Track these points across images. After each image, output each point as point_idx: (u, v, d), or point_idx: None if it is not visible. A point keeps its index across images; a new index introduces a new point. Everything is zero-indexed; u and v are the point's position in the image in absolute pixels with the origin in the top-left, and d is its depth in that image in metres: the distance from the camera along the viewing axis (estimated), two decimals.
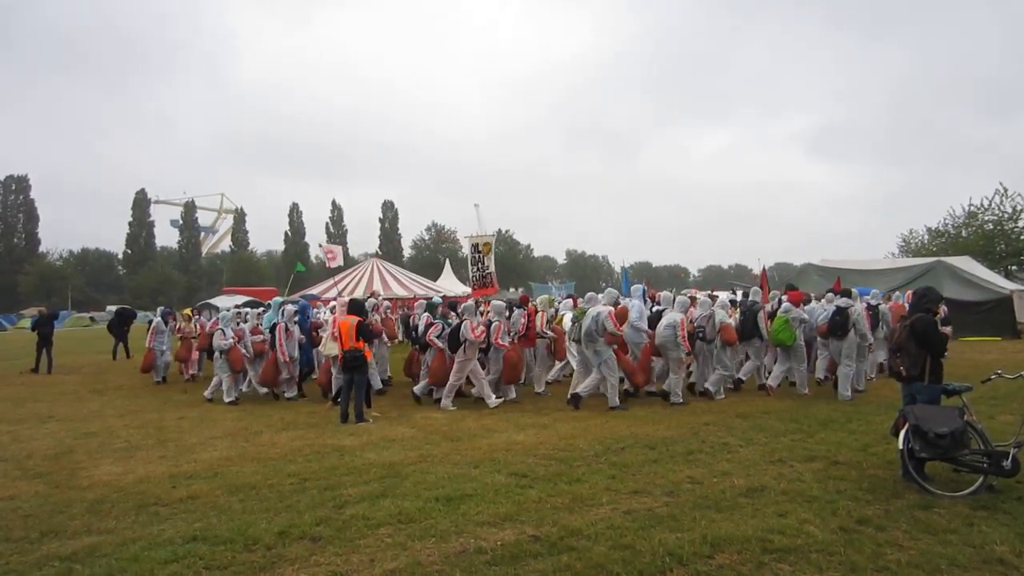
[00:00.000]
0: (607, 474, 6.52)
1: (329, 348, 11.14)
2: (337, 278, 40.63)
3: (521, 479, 6.40)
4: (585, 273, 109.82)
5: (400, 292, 35.24)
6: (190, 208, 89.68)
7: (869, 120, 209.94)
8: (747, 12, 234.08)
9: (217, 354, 11.97)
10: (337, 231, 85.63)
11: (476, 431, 8.94)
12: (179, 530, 5.13)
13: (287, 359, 12.02)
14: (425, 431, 9.07)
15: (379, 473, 6.78)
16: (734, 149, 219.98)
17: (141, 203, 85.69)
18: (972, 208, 44.75)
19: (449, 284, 45.54)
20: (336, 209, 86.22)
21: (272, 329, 12.26)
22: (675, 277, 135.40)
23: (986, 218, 43.51)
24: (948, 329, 6.09)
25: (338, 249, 14.91)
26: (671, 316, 10.80)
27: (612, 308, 10.67)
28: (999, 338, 21.31)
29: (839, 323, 10.95)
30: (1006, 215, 42.29)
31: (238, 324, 12.81)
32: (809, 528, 4.90)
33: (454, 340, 10.86)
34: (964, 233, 45.20)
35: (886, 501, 5.56)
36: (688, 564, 4.28)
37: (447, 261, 58.74)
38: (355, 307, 10.88)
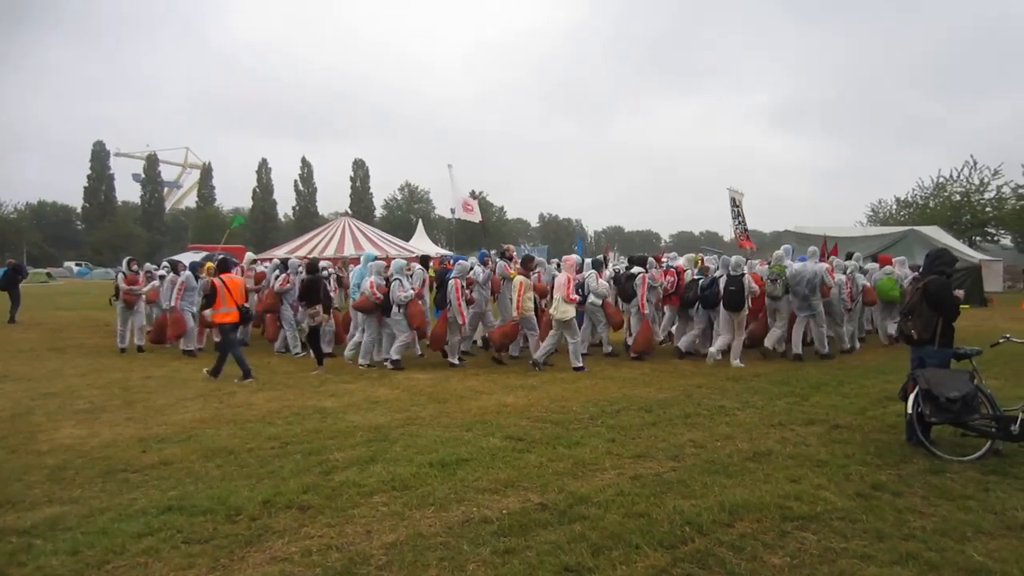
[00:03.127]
0: (606, 437, 6.26)
1: (561, 311, 10.12)
2: (306, 237, 39.71)
3: (517, 443, 6.10)
4: (558, 236, 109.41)
5: (372, 251, 34.52)
6: (153, 161, 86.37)
7: (830, 97, 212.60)
8: None
9: (396, 308, 10.38)
10: (307, 189, 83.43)
11: (463, 393, 8.61)
12: (152, 499, 4.72)
13: (464, 319, 10.68)
14: (409, 392, 8.71)
15: (366, 436, 6.42)
16: (705, 120, 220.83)
17: (100, 155, 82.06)
18: (941, 180, 45.36)
19: (422, 244, 44.83)
20: (306, 166, 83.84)
21: (442, 285, 11.00)
22: (647, 242, 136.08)
23: (954, 189, 44.12)
24: (961, 292, 5.95)
25: (474, 203, 13.40)
26: (836, 277, 11.45)
27: (827, 265, 11.54)
28: (968, 306, 21.58)
29: None
30: (973, 187, 42.88)
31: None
32: (825, 494, 4.69)
33: (739, 297, 10.21)
34: (932, 204, 45.84)
35: (896, 466, 5.38)
36: (708, 533, 4.03)
37: (419, 221, 57.85)
38: (224, 265, 10.47)
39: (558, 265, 11.83)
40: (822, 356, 11.08)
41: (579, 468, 5.35)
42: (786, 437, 6.25)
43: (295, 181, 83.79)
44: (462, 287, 10.71)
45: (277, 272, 12.78)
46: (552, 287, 10.67)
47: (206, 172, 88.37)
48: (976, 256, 27.13)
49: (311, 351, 10.77)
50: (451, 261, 17.68)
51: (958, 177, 43.70)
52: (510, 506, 4.49)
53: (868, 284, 12.43)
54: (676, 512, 4.32)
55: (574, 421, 6.93)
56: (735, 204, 15.70)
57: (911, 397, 5.72)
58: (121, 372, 10.51)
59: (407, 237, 46.95)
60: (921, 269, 6.33)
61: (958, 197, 43.63)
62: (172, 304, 12.37)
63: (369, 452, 5.86)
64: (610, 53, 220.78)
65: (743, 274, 10.34)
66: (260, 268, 13.89)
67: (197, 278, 12.78)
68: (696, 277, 11.18)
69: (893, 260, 13.69)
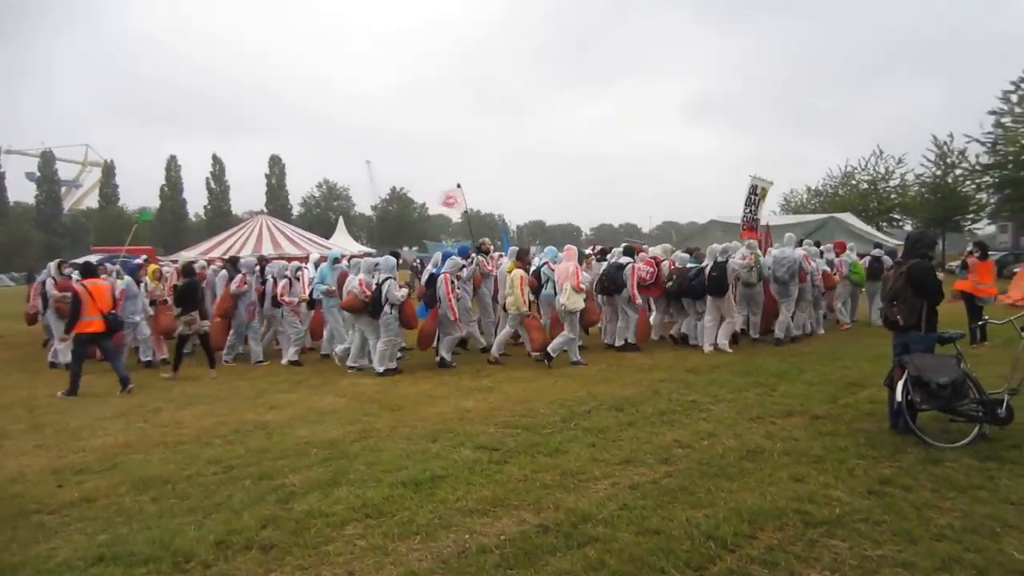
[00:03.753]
0: (586, 442, 5.82)
1: (573, 301, 9.80)
2: (222, 236, 37.84)
3: (492, 453, 5.58)
4: (481, 231, 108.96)
5: (292, 251, 33.05)
6: (48, 159, 79.94)
7: (735, 92, 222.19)
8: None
9: (388, 308, 9.57)
10: (219, 187, 79.30)
11: (416, 398, 8.01)
12: (78, 547, 3.93)
13: (455, 316, 10.02)
14: (358, 400, 8.05)
15: (321, 454, 5.75)
16: (617, 115, 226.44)
17: None
18: (849, 168, 47.57)
19: (343, 242, 43.39)
20: (218, 163, 79.55)
21: (431, 281, 10.50)
22: (568, 235, 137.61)
23: (862, 178, 46.28)
24: (943, 275, 5.94)
25: (459, 193, 12.64)
26: (812, 264, 11.68)
27: (805, 251, 11.68)
28: None
29: (878, 270, 12.75)
30: (880, 175, 45.05)
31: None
32: (837, 494, 4.40)
33: (722, 283, 10.40)
34: (841, 192, 48.02)
35: (893, 457, 5.19)
36: (734, 549, 3.64)
37: (340, 219, 56.22)
38: (88, 270, 9.65)
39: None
40: (778, 342, 11.07)
41: (568, 479, 4.88)
42: (771, 432, 5.99)
43: (207, 179, 79.49)
44: (452, 283, 10.09)
45: (224, 274, 11.84)
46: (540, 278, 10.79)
47: (108, 170, 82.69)
48: (891, 241, 28.40)
49: (207, 355, 10.34)
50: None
51: (865, 166, 45.85)
52: (506, 530, 3.98)
53: (827, 269, 12.56)
54: (692, 525, 3.92)
55: (545, 425, 6.47)
56: (753, 193, 15.49)
57: (900, 384, 5.55)
58: (25, 390, 9.36)
59: (326, 235, 45.42)
60: (902, 253, 6.19)
61: (865, 185, 45.78)
62: None
63: (328, 473, 5.21)
64: (526, 49, 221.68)
65: (727, 260, 10.40)
66: (204, 269, 12.77)
67: (138, 282, 11.39)
68: (689, 266, 11.06)
69: (846, 246, 14.04)
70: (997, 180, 31.71)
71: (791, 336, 11.37)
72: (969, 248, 11.58)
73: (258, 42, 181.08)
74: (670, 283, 11.00)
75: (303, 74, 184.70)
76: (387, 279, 9.62)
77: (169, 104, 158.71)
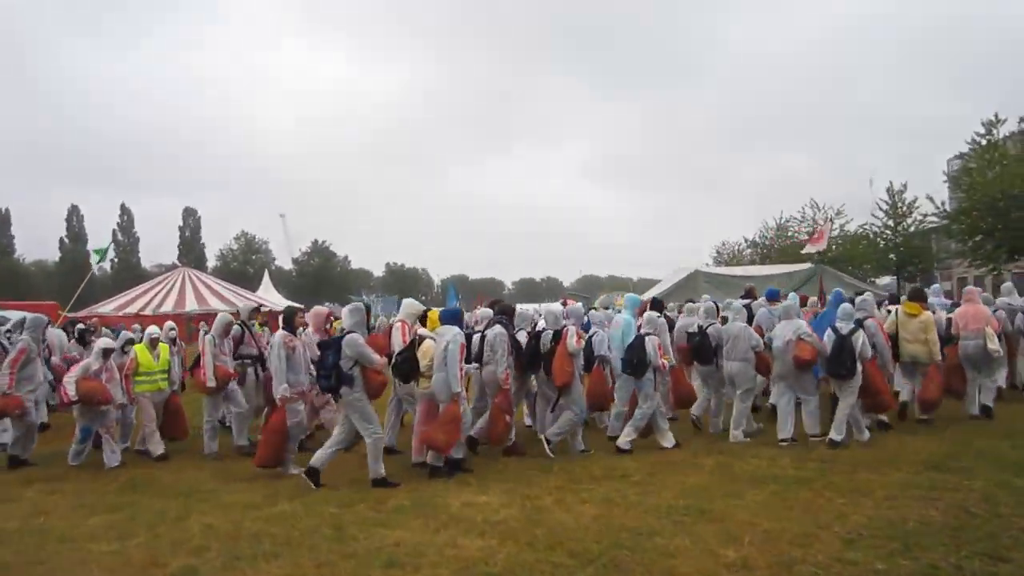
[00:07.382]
0: None
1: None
2: (139, 290, 33.81)
3: None
4: (405, 285, 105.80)
5: (218, 305, 29.67)
6: None
7: (633, 155, 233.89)
8: (525, 67, 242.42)
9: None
10: (127, 239, 73.05)
11: (600, 532, 5.43)
12: None
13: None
14: (514, 540, 5.32)
15: None
16: (529, 175, 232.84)
17: None
18: (783, 221, 48.34)
19: (269, 295, 40.14)
20: (126, 213, 73.59)
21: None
22: (491, 289, 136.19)
23: (801, 229, 46.96)
24: None
25: (827, 229, 11.23)
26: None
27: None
28: None
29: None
30: (818, 227, 45.75)
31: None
32: None
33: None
34: (778, 244, 48.60)
35: None
36: None
37: (266, 271, 52.81)
38: None
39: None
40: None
41: None
42: None
43: (113, 230, 73.40)
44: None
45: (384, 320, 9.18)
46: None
47: (2, 220, 74.80)
48: (870, 288, 27.91)
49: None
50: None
51: (803, 218, 46.55)
52: None
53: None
54: None
55: None
56: None
57: None
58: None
59: (245, 288, 42.11)
60: None
61: (805, 236, 46.39)
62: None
63: None
64: (441, 119, 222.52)
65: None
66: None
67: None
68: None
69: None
70: (965, 226, 31.93)
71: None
72: None
73: (161, 94, 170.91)
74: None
75: (212, 137, 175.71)
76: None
77: (71, 155, 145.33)
